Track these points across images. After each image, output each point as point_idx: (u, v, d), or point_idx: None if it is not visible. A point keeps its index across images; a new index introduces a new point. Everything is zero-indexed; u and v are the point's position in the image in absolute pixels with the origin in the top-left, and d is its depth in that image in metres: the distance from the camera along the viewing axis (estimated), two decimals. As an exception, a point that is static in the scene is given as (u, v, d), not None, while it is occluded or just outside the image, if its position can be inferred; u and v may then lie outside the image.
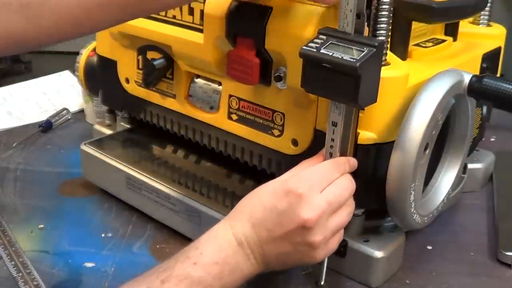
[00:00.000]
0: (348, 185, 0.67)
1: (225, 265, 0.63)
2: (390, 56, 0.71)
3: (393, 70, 0.69)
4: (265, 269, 0.67)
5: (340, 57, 0.62)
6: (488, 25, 0.91)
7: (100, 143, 0.97)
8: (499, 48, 0.89)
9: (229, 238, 0.65)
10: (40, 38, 0.63)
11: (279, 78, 0.74)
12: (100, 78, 1.00)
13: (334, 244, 0.67)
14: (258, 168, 0.83)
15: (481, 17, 0.91)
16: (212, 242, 0.65)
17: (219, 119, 0.83)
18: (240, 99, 0.80)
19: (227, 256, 0.64)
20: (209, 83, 0.85)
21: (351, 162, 0.69)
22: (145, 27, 0.85)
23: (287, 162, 0.78)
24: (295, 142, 0.76)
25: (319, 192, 0.65)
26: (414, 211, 0.72)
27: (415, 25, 0.76)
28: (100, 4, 0.62)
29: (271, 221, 0.65)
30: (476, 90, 0.70)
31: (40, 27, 0.62)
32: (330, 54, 0.63)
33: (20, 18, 0.61)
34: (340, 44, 0.64)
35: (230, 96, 0.81)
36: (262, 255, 0.66)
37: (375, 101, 0.66)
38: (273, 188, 0.66)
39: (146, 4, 0.65)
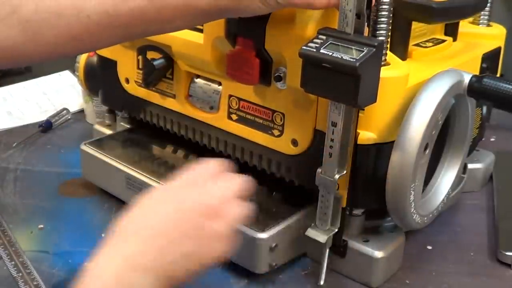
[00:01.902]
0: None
1: None
2: (390, 56, 0.71)
3: (393, 70, 0.69)
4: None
5: (340, 57, 0.62)
6: (488, 25, 0.91)
7: (100, 143, 0.97)
8: (499, 48, 0.89)
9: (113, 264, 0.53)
10: (38, 54, 0.63)
11: (279, 78, 0.74)
12: (100, 78, 1.00)
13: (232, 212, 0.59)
14: (258, 168, 0.83)
15: (481, 17, 0.91)
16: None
17: (219, 119, 0.83)
18: (240, 99, 0.80)
19: None
20: (209, 83, 0.85)
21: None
22: (145, 27, 0.85)
23: (287, 162, 0.78)
24: (295, 142, 0.76)
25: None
26: (414, 211, 0.72)
27: (415, 25, 0.76)
28: (101, 25, 0.62)
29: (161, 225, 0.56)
30: (476, 90, 0.70)
31: (39, 43, 0.62)
32: (330, 54, 0.63)
33: (19, 33, 0.61)
34: (339, 44, 0.64)
35: (230, 96, 0.81)
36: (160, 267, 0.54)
37: (375, 101, 0.66)
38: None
39: (151, 27, 0.65)
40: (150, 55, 0.88)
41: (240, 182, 0.61)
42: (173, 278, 0.55)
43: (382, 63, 0.67)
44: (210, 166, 0.62)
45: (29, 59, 0.64)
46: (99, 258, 0.54)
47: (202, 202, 0.57)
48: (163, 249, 0.55)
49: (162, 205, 0.58)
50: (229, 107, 0.82)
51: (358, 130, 0.70)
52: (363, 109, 0.68)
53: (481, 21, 0.91)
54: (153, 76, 0.88)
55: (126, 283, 0.52)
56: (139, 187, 0.87)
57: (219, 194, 0.59)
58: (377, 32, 0.67)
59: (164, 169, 0.90)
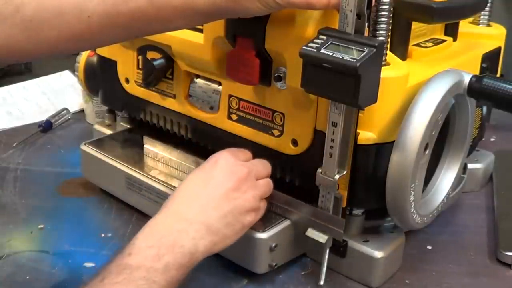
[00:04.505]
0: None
1: (160, 246, 0.63)
2: (390, 56, 0.71)
3: (393, 70, 0.69)
4: (212, 239, 0.67)
5: (340, 57, 0.62)
6: (488, 25, 0.91)
7: (100, 143, 0.97)
8: (499, 48, 0.89)
9: (162, 221, 0.67)
10: (39, 52, 0.65)
11: (279, 78, 0.74)
12: (100, 78, 1.00)
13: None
14: (258, 168, 0.83)
15: (481, 17, 0.91)
16: (144, 231, 0.66)
17: (219, 119, 0.83)
18: (240, 99, 0.80)
19: (162, 237, 0.64)
20: (209, 83, 0.85)
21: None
22: (145, 27, 0.85)
23: (287, 162, 0.78)
24: (295, 142, 0.76)
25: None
26: (414, 211, 0.72)
27: (415, 25, 0.76)
28: (102, 25, 0.63)
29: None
30: (476, 90, 0.70)
31: (40, 42, 0.63)
32: (330, 54, 0.63)
33: (21, 32, 0.62)
34: (340, 44, 0.64)
35: (230, 96, 0.81)
36: (203, 223, 0.67)
37: (375, 101, 0.66)
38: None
39: (151, 27, 0.66)
40: (150, 55, 0.88)
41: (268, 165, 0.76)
42: (212, 234, 0.67)
43: (382, 63, 0.67)
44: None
45: (29, 56, 0.66)
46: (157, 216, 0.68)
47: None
48: (205, 208, 0.68)
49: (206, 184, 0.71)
50: (229, 107, 0.82)
51: (358, 130, 0.70)
52: (363, 109, 0.68)
53: (481, 21, 0.91)
54: (153, 76, 0.87)
55: (167, 232, 0.65)
56: (139, 187, 0.87)
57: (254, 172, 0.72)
58: (377, 32, 0.67)
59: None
